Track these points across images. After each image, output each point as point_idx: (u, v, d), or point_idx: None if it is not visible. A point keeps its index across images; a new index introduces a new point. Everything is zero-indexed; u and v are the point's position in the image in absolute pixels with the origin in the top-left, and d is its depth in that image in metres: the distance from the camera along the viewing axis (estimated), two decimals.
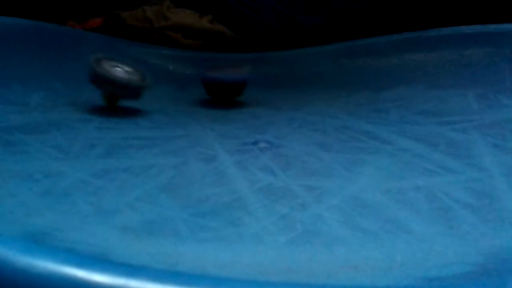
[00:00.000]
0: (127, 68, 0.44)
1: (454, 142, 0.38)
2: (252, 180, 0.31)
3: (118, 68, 0.43)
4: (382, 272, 0.22)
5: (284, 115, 0.46)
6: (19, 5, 0.63)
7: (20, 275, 0.14)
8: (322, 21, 0.68)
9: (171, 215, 0.27)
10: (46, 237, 0.24)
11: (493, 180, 0.31)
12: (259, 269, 0.22)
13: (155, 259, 0.23)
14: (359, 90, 0.52)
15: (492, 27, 0.53)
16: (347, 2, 0.68)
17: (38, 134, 0.39)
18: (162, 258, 0.23)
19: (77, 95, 0.48)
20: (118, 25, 0.69)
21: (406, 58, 0.55)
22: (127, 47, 0.60)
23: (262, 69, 0.59)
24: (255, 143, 0.39)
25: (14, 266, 0.14)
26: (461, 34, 0.54)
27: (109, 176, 0.32)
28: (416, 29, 0.57)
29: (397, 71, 0.54)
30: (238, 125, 0.43)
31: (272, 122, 0.45)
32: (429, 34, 0.56)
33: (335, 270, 0.22)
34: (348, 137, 0.39)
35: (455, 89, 0.49)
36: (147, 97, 0.49)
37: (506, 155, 0.35)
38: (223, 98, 0.51)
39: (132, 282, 0.14)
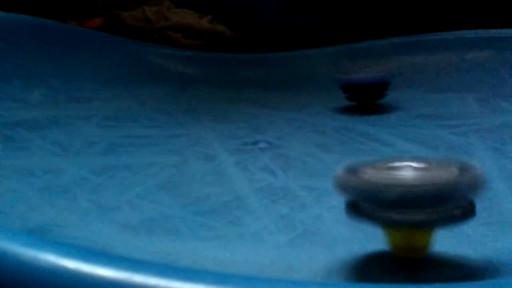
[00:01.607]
0: None
1: (453, 145, 0.38)
2: (252, 180, 0.32)
3: None
4: (382, 272, 0.22)
5: (284, 116, 0.46)
6: (20, 3, 0.63)
7: (23, 268, 0.14)
8: (322, 21, 0.69)
9: (171, 213, 0.27)
10: (46, 233, 0.24)
11: (493, 183, 0.31)
12: (259, 268, 0.22)
13: (154, 257, 0.23)
14: None
15: (493, 32, 0.53)
16: (347, 2, 0.69)
17: (39, 131, 0.39)
18: (162, 255, 0.23)
19: (78, 92, 0.48)
20: (118, 25, 0.69)
21: (406, 61, 0.55)
22: (127, 46, 0.60)
23: (262, 69, 0.59)
24: (255, 143, 0.39)
25: (18, 259, 0.14)
26: (462, 38, 0.54)
27: (109, 174, 0.32)
28: (417, 33, 0.57)
29: (398, 74, 0.54)
30: (238, 125, 0.43)
31: (272, 122, 0.45)
32: (429, 37, 0.56)
33: (335, 270, 0.22)
34: (348, 139, 0.40)
35: (455, 93, 0.50)
36: (147, 96, 0.49)
37: (505, 159, 0.35)
38: (365, 101, 0.47)
39: (135, 277, 0.14)
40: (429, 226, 0.20)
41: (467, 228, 0.26)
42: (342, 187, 0.21)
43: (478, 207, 0.28)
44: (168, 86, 0.56)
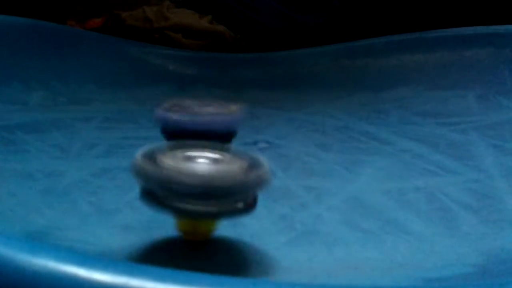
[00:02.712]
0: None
1: (454, 143, 0.38)
2: None
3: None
4: (382, 272, 0.22)
5: (284, 115, 0.46)
6: (19, 4, 0.63)
7: (21, 273, 0.14)
8: (322, 21, 0.68)
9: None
10: (46, 236, 0.24)
11: (493, 181, 0.31)
12: (259, 268, 0.22)
13: (154, 258, 0.23)
14: (359, 91, 0.52)
15: (492, 29, 0.53)
16: (347, 2, 0.68)
17: (38, 133, 0.39)
18: (162, 257, 0.23)
19: (77, 94, 0.48)
20: (118, 25, 0.69)
21: (406, 59, 0.55)
22: (127, 47, 0.60)
23: (262, 69, 0.59)
24: (255, 143, 0.39)
25: (15, 264, 0.14)
26: (462, 35, 0.54)
27: (109, 176, 0.32)
28: (416, 30, 0.57)
29: (397, 72, 0.54)
30: None
31: (272, 122, 0.45)
32: (429, 35, 0.56)
33: (335, 270, 0.22)
34: (348, 138, 0.39)
35: (455, 90, 0.50)
36: (147, 97, 0.49)
37: (506, 156, 0.35)
38: None
39: (132, 281, 0.14)
40: (214, 217, 0.22)
41: (467, 226, 0.26)
42: (139, 173, 0.21)
43: (479, 205, 0.28)
44: (168, 86, 0.56)
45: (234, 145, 0.38)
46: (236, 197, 0.21)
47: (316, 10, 0.69)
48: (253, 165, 0.21)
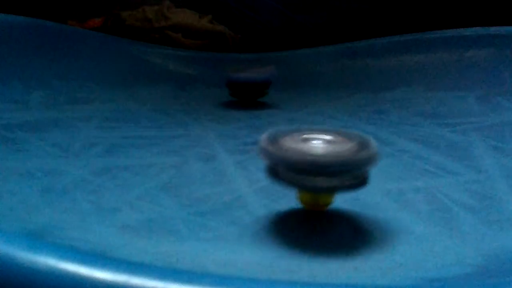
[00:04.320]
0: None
1: (454, 143, 0.38)
2: (252, 180, 0.32)
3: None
4: (382, 272, 0.22)
5: (284, 115, 0.47)
6: (20, 3, 0.63)
7: (22, 272, 0.14)
8: (323, 21, 0.69)
9: (171, 214, 0.27)
10: (46, 235, 0.24)
11: (493, 181, 0.31)
12: (259, 268, 0.22)
13: (155, 258, 0.23)
14: (360, 91, 0.53)
15: (493, 30, 0.53)
16: (347, 2, 0.69)
17: (39, 132, 0.39)
18: (162, 256, 0.23)
19: (78, 93, 0.48)
20: (118, 25, 0.69)
21: (407, 59, 0.55)
22: (127, 47, 0.60)
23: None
24: (255, 143, 0.39)
25: (16, 262, 0.14)
26: (462, 36, 0.54)
27: (109, 175, 0.32)
28: (417, 31, 0.57)
29: (398, 73, 0.54)
30: (238, 125, 0.43)
31: (272, 122, 0.45)
32: (429, 35, 0.56)
33: (335, 270, 0.22)
34: None
35: (455, 91, 0.50)
36: (147, 97, 0.49)
37: (506, 157, 0.35)
38: (247, 98, 0.51)
39: (133, 279, 0.14)
40: (331, 191, 0.25)
41: (467, 226, 0.26)
42: (264, 153, 0.24)
43: (479, 206, 0.28)
44: (168, 86, 0.56)
45: (234, 145, 0.38)
46: (348, 173, 0.24)
47: (316, 10, 0.69)
48: (363, 145, 0.24)
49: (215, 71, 0.59)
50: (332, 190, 0.25)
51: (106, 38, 0.59)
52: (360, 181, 0.24)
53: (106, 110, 0.45)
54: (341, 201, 0.28)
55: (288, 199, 0.29)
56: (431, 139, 0.39)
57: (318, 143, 0.25)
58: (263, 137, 0.24)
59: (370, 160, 0.24)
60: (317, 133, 0.25)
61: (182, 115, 0.46)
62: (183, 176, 0.32)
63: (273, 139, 0.24)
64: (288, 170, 0.24)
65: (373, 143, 0.24)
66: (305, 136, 0.25)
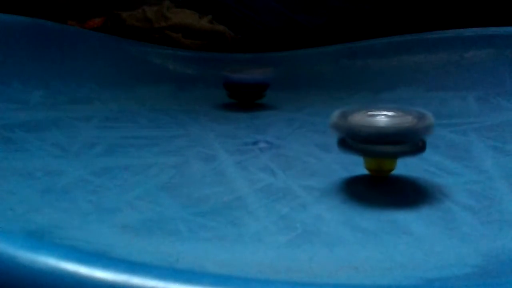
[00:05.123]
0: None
1: (454, 144, 0.38)
2: (252, 180, 0.32)
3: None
4: (382, 272, 0.22)
5: (284, 116, 0.47)
6: (20, 3, 0.63)
7: (22, 271, 0.14)
8: (322, 21, 0.69)
9: (171, 214, 0.27)
10: (46, 235, 0.24)
11: (493, 182, 0.31)
12: (259, 268, 0.22)
13: (155, 258, 0.23)
14: (360, 91, 0.53)
15: (492, 30, 0.53)
16: (347, 2, 0.69)
17: (39, 132, 0.39)
18: (162, 256, 0.23)
19: (77, 93, 0.48)
20: (118, 25, 0.69)
21: (407, 60, 0.55)
22: (127, 47, 0.60)
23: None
24: (255, 143, 0.39)
25: (17, 262, 0.14)
26: (462, 36, 0.54)
27: (109, 175, 0.32)
28: (417, 31, 0.57)
29: (398, 73, 0.54)
30: (238, 125, 0.44)
31: (272, 122, 0.45)
32: (429, 36, 0.56)
33: (335, 270, 0.22)
34: None
35: (455, 91, 0.50)
36: (147, 97, 0.49)
37: (505, 157, 0.35)
38: (245, 100, 0.50)
39: (134, 279, 0.14)
40: (392, 156, 0.29)
41: (467, 227, 0.26)
42: (335, 127, 0.28)
43: (478, 205, 0.28)
44: (168, 86, 0.56)
45: (234, 145, 0.38)
46: (409, 141, 0.28)
47: (316, 10, 0.69)
48: (421, 117, 0.28)
49: (215, 71, 0.59)
50: (396, 156, 0.29)
51: (106, 38, 0.59)
52: (419, 148, 0.28)
53: (106, 110, 0.45)
54: (341, 201, 0.28)
55: (288, 199, 0.29)
56: (431, 139, 0.39)
57: (382, 118, 0.28)
58: (335, 114, 0.28)
59: (427, 129, 0.28)
60: (380, 110, 0.29)
61: (182, 115, 0.46)
62: (183, 176, 0.32)
63: (344, 115, 0.28)
64: (358, 141, 0.28)
65: (429, 116, 0.28)
66: (370, 112, 0.29)
